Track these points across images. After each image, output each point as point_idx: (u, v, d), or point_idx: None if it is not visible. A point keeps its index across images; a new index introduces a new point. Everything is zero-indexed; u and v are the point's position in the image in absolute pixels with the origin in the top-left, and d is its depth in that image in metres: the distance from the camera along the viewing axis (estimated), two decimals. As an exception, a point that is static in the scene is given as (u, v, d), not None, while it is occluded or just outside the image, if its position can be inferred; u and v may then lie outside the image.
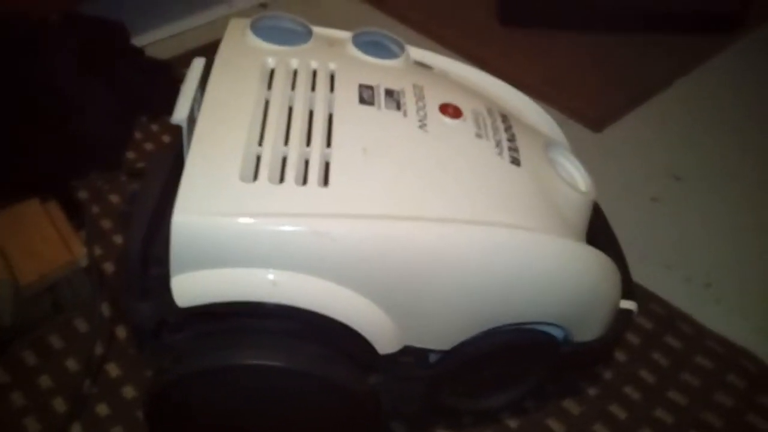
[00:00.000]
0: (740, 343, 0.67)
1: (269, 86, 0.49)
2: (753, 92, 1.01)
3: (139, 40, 0.93)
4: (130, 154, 0.81)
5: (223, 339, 0.46)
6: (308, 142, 0.46)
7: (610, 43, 1.05)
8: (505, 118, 0.54)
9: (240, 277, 0.42)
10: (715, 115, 0.96)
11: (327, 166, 0.45)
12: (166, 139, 0.84)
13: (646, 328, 0.68)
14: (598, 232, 0.57)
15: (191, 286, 0.43)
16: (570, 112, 0.94)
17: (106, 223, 0.73)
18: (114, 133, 0.78)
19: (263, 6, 1.10)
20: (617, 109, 0.95)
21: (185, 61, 0.56)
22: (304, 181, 0.44)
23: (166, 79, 0.86)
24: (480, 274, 0.46)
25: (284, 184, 0.43)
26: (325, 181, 0.44)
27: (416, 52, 0.60)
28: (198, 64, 0.52)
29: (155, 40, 0.98)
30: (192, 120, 0.48)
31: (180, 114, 0.47)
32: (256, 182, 0.43)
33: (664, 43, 1.05)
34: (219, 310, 0.43)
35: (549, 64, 1.01)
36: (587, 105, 0.94)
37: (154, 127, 0.85)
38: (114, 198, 0.76)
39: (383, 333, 0.46)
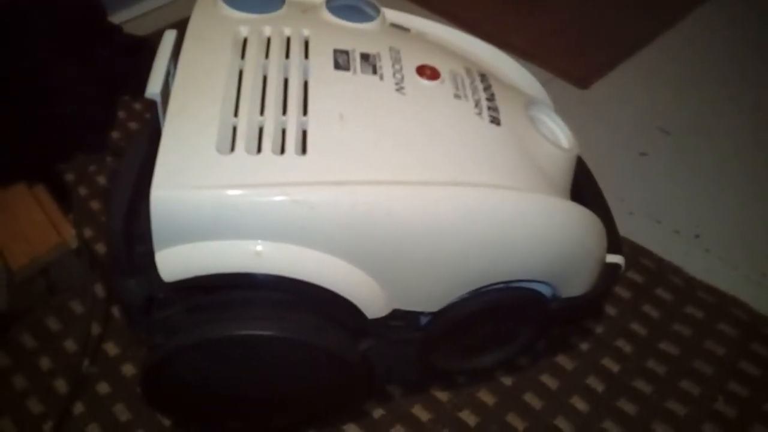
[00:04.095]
0: (731, 292, 0.68)
1: (242, 55, 0.48)
2: (737, 43, 1.00)
3: (116, 18, 0.92)
4: (115, 134, 0.81)
5: (212, 312, 0.46)
6: (284, 111, 0.46)
7: (594, 0, 1.03)
8: (484, 77, 0.54)
9: (223, 249, 0.42)
10: (700, 67, 0.95)
11: (304, 134, 0.45)
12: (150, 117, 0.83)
13: (636, 281, 0.68)
14: (583, 188, 0.57)
15: (176, 261, 0.43)
16: (556, 70, 0.93)
17: (95, 205, 0.73)
18: (96, 114, 0.77)
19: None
20: (603, 65, 0.94)
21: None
22: (282, 151, 0.43)
23: (146, 56, 0.84)
24: (464, 235, 0.46)
25: (261, 155, 0.43)
26: (303, 149, 0.44)
27: (393, 15, 0.59)
28: (169, 36, 0.52)
29: (133, 16, 0.96)
30: (167, 94, 0.47)
31: (153, 88, 0.46)
32: (233, 153, 0.42)
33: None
34: (206, 283, 0.44)
35: (534, 25, 1.00)
36: (573, 63, 0.94)
37: (138, 106, 0.84)
38: (101, 179, 0.76)
39: (371, 298, 0.46)
